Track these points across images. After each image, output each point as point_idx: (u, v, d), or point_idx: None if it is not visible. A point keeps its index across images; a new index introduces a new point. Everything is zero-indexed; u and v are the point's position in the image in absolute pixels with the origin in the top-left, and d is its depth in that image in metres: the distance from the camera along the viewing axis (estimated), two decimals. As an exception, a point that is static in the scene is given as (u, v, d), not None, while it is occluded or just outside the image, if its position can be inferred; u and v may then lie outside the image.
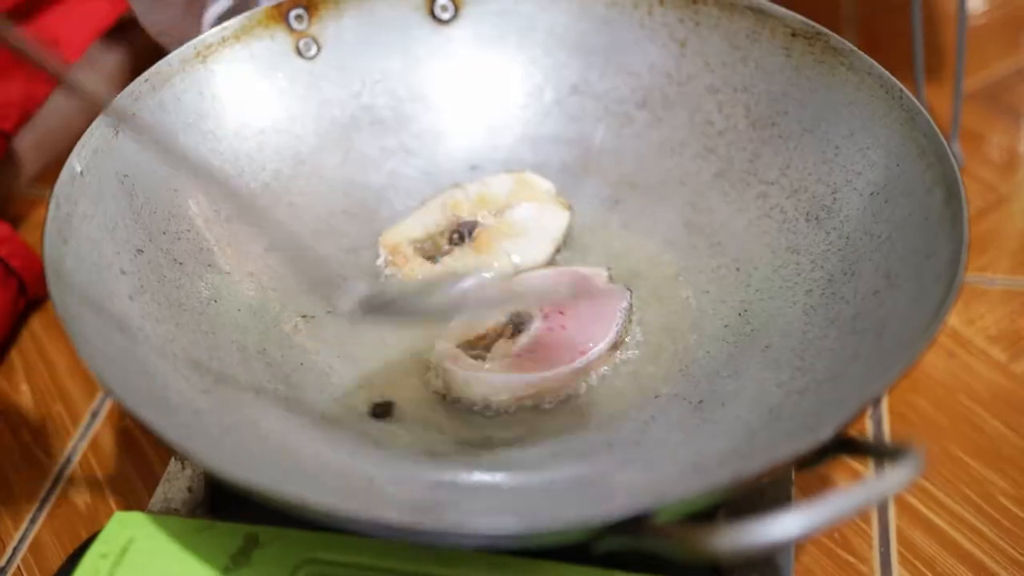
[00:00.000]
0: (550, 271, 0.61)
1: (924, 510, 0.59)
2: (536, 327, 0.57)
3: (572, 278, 0.60)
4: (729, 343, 0.57)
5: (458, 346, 0.57)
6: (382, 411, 0.56)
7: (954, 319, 0.69)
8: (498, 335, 0.58)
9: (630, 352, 0.58)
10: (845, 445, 0.42)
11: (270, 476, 0.45)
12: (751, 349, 0.56)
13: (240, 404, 0.53)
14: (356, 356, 0.58)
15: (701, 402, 0.54)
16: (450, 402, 0.56)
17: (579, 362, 0.56)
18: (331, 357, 0.58)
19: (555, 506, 0.49)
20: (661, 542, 0.38)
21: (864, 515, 0.59)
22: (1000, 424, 0.63)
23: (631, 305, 0.58)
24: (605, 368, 0.57)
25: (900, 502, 0.59)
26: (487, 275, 0.61)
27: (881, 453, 0.40)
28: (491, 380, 0.55)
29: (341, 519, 0.41)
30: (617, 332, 0.57)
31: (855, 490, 0.37)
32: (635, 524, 0.39)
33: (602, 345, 0.56)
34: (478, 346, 0.58)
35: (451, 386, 0.56)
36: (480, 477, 0.52)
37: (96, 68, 0.82)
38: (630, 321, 0.58)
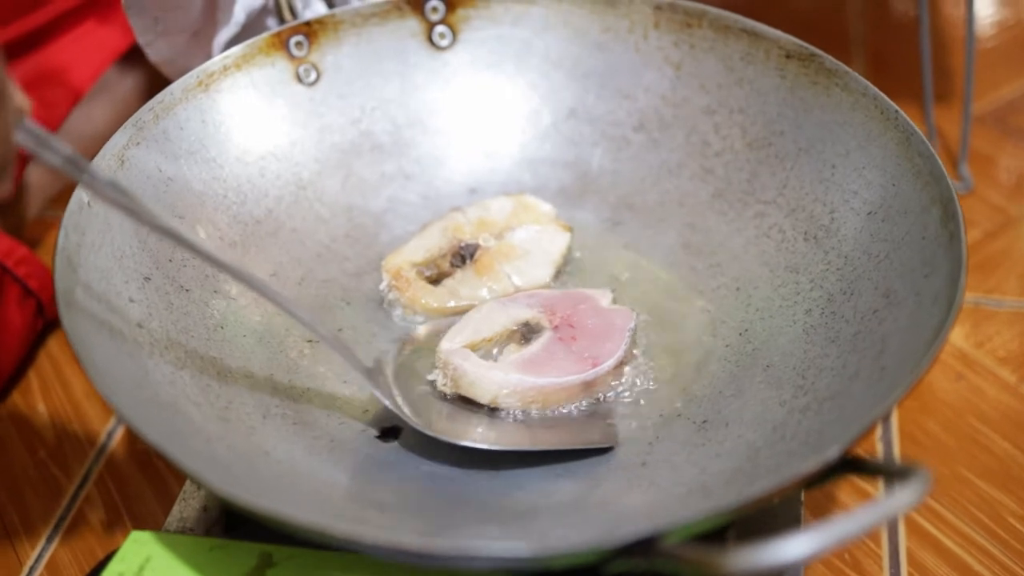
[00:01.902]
0: (557, 291, 0.62)
1: (934, 531, 0.59)
2: (547, 336, 0.58)
3: (578, 299, 0.60)
4: (731, 362, 0.58)
5: (463, 347, 0.57)
6: (389, 434, 0.56)
7: (963, 341, 0.70)
8: (506, 340, 0.58)
9: (632, 372, 0.59)
10: (852, 465, 0.43)
11: (286, 504, 0.46)
12: (752, 368, 0.57)
13: (250, 430, 0.53)
14: (361, 381, 0.58)
15: (705, 422, 0.55)
16: (452, 400, 0.56)
17: (589, 374, 0.56)
18: (337, 381, 0.59)
19: (564, 529, 0.49)
20: (672, 564, 0.39)
21: (874, 536, 0.59)
22: (1009, 445, 0.63)
23: (636, 326, 0.59)
24: (610, 386, 0.57)
25: (910, 523, 0.60)
26: (486, 294, 0.62)
27: (889, 473, 0.40)
28: (501, 379, 0.55)
29: (359, 544, 0.41)
30: (624, 351, 0.58)
31: (864, 511, 0.38)
32: (645, 546, 0.40)
33: (611, 361, 0.57)
34: (482, 348, 0.58)
35: (459, 384, 0.56)
36: (487, 500, 0.52)
37: (112, 94, 0.83)
38: (634, 342, 0.59)
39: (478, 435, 0.55)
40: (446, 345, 0.57)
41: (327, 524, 0.41)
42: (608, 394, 0.57)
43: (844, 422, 0.48)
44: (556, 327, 0.58)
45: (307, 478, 0.52)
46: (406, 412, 0.54)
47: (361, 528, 0.41)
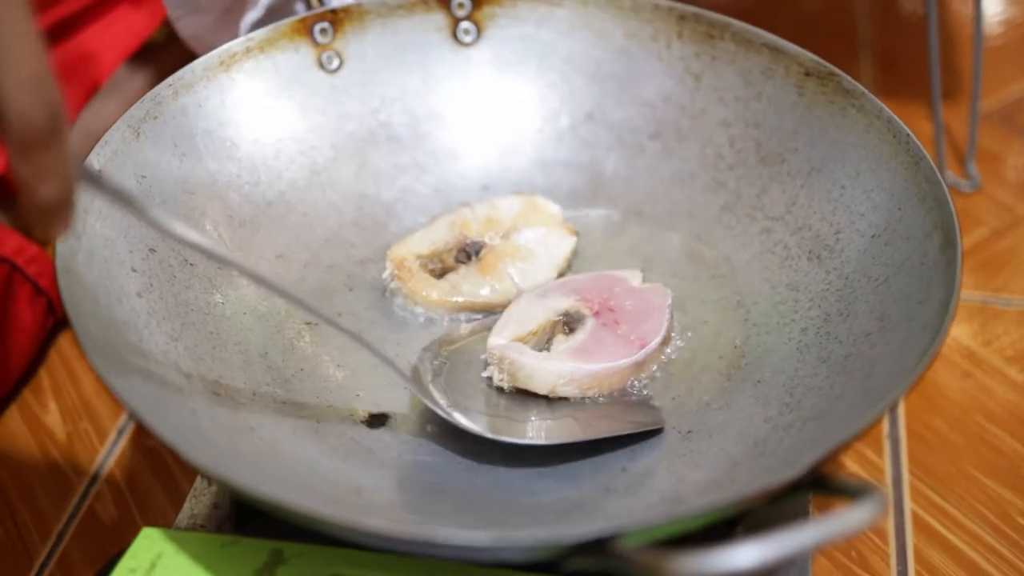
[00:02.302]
0: (588, 275, 0.63)
1: (941, 529, 0.60)
2: (591, 324, 0.59)
3: (611, 282, 0.61)
4: (723, 375, 0.58)
5: (513, 341, 0.58)
6: (377, 421, 0.57)
7: (970, 339, 0.70)
8: (550, 332, 0.59)
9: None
10: (815, 483, 0.43)
11: (253, 476, 0.46)
12: (743, 383, 0.57)
13: (238, 405, 0.54)
14: (355, 366, 0.59)
15: (690, 432, 0.55)
16: (510, 393, 0.57)
17: (639, 355, 0.57)
18: (331, 365, 0.59)
19: (534, 524, 0.49)
20: (623, 565, 0.39)
21: (882, 533, 0.60)
22: (1017, 444, 0.64)
23: (672, 302, 0.60)
24: (656, 366, 0.58)
25: (918, 520, 0.60)
26: (487, 293, 0.62)
27: (845, 493, 0.40)
28: (559, 369, 0.56)
29: (321, 523, 0.42)
30: (666, 328, 0.59)
31: (812, 527, 0.38)
32: (599, 546, 0.40)
33: (656, 340, 0.58)
34: (529, 342, 0.59)
35: (516, 378, 0.57)
36: (467, 492, 0.53)
37: (122, 92, 0.83)
38: (674, 318, 0.60)
39: (530, 429, 0.56)
40: (496, 341, 0.58)
41: (283, 497, 0.41)
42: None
43: (824, 442, 0.48)
44: (596, 313, 0.59)
45: (288, 457, 0.52)
46: (455, 416, 0.55)
47: (315, 504, 0.42)
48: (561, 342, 0.58)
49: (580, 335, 0.58)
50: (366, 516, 0.42)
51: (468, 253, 0.64)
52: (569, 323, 0.59)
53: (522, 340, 0.58)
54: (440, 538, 0.41)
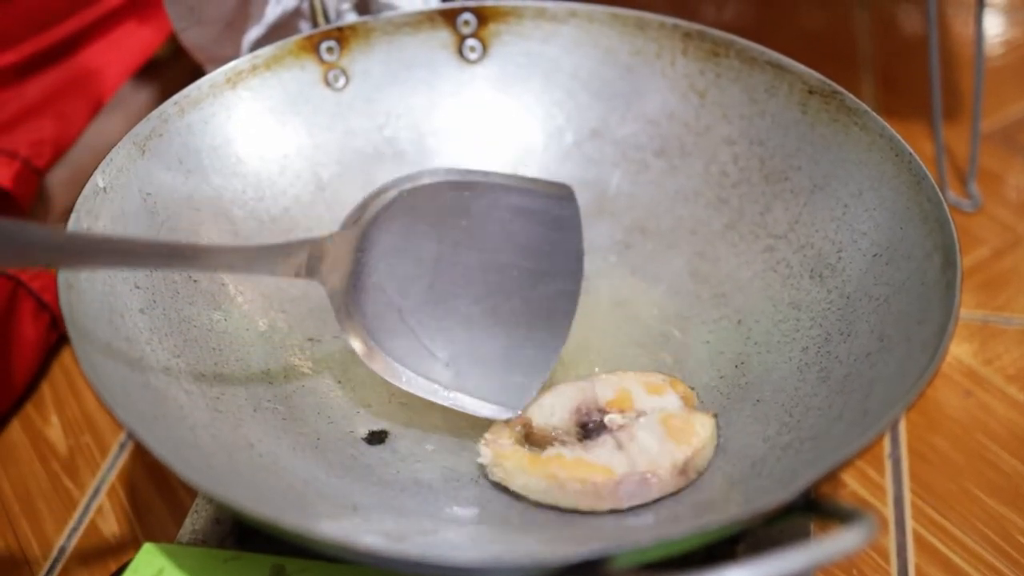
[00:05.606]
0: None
1: (943, 548, 0.60)
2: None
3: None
4: (723, 394, 0.58)
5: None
6: (376, 438, 0.57)
7: (971, 358, 0.70)
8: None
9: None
10: (808, 505, 0.43)
11: (249, 493, 0.47)
12: (743, 402, 0.57)
13: (238, 422, 0.54)
14: (357, 382, 0.60)
15: (688, 451, 0.55)
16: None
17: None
18: (332, 381, 0.60)
19: (528, 543, 0.50)
20: (613, 588, 0.39)
21: (883, 552, 0.59)
22: (1018, 463, 0.64)
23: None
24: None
25: (919, 539, 0.60)
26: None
27: (835, 517, 0.40)
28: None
29: (313, 542, 0.42)
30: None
31: (801, 551, 0.37)
32: (590, 568, 0.40)
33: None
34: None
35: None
36: (463, 511, 0.53)
37: (126, 108, 0.83)
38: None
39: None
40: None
41: (276, 517, 0.42)
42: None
43: (818, 464, 0.48)
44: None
45: (287, 473, 0.53)
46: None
47: (316, 525, 0.42)
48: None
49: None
50: (359, 535, 0.43)
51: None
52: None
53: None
54: (428, 558, 0.41)
